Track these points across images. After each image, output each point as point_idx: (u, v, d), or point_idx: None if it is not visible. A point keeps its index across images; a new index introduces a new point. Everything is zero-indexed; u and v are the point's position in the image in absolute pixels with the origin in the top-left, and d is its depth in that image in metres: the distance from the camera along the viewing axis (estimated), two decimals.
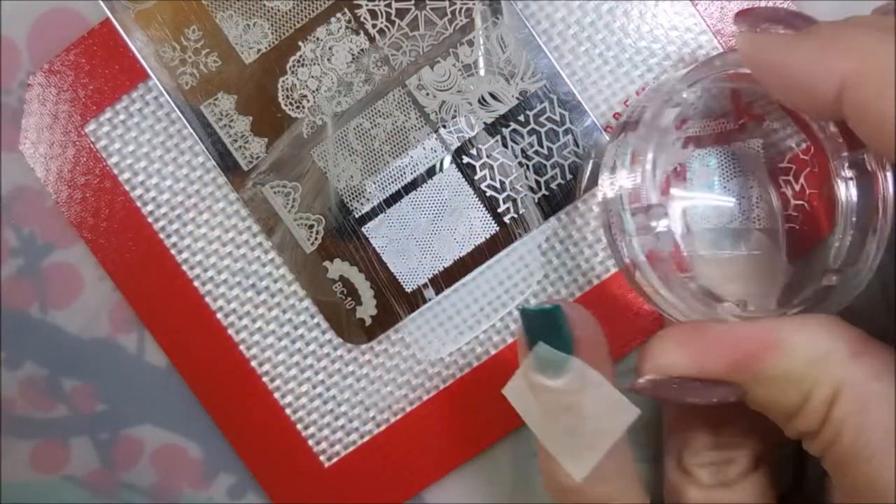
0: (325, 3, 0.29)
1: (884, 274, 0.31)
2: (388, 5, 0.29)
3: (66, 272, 0.31)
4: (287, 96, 0.30)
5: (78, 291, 0.31)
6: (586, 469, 0.23)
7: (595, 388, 0.23)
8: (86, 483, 0.32)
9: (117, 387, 0.32)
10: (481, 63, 0.29)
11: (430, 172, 0.30)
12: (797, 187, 0.28)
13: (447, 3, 0.29)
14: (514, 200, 0.30)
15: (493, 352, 0.31)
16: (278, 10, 0.29)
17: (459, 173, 0.30)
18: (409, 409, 0.31)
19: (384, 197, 0.30)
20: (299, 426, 0.31)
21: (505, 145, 0.30)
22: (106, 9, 0.29)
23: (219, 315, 0.31)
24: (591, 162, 0.30)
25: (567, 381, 0.23)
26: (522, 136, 0.30)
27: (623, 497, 0.24)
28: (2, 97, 0.31)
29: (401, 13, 0.29)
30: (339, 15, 0.29)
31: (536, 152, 0.30)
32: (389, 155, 0.30)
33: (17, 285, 0.31)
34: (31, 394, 0.32)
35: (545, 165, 0.30)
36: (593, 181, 0.30)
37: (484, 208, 0.30)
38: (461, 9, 0.29)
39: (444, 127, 0.30)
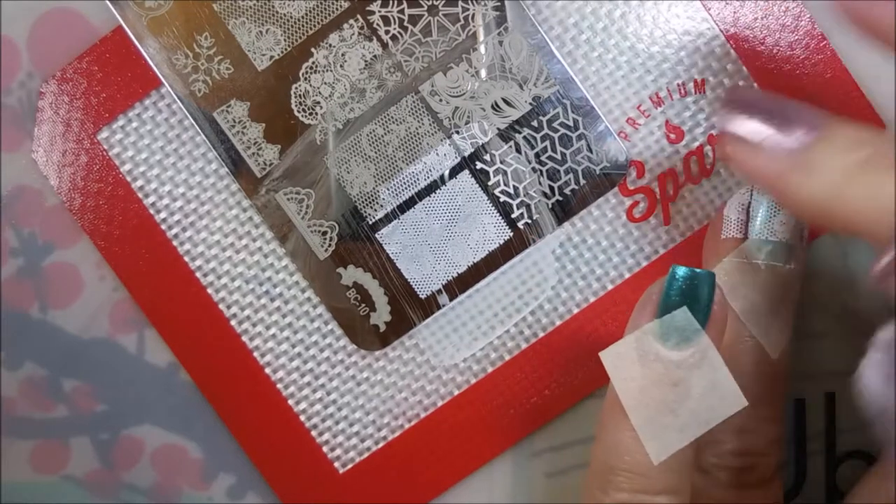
0: (337, 9, 0.29)
1: None
2: (401, 11, 0.29)
3: (66, 272, 0.31)
4: (300, 103, 0.30)
5: (78, 291, 0.31)
6: (667, 452, 0.22)
7: (713, 369, 0.22)
8: (86, 483, 0.32)
9: (117, 387, 0.32)
10: (483, 73, 0.29)
11: (444, 178, 0.30)
12: None
13: (460, 10, 0.29)
14: (528, 206, 0.30)
15: (507, 357, 0.31)
16: (291, 17, 0.29)
17: (473, 179, 0.30)
18: (423, 415, 0.31)
19: (398, 203, 0.30)
20: (314, 433, 0.31)
21: (518, 151, 0.30)
22: (118, 16, 0.29)
23: (232, 322, 0.31)
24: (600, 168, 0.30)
25: (689, 355, 0.22)
26: (536, 142, 0.30)
27: (678, 495, 0.23)
28: (2, 97, 0.30)
29: (413, 19, 0.29)
30: (351, 21, 0.29)
31: (550, 157, 0.30)
32: (403, 161, 0.30)
33: (17, 285, 0.31)
34: (31, 394, 0.32)
35: (559, 171, 0.30)
36: (603, 190, 0.30)
37: (497, 214, 0.30)
38: (474, 15, 0.29)
39: (458, 133, 0.30)
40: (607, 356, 0.23)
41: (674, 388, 0.22)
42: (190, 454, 0.32)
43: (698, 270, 0.23)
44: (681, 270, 0.23)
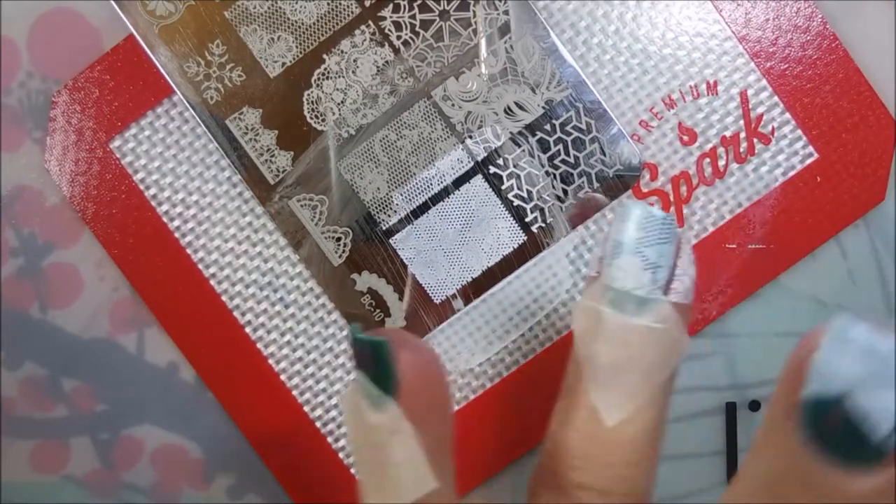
0: (349, 15, 0.29)
1: (884, 274, 0.31)
2: (413, 17, 0.29)
3: (66, 272, 0.31)
4: (312, 109, 0.29)
5: (78, 291, 0.31)
6: None
7: (407, 444, 0.20)
8: (86, 483, 0.32)
9: (117, 387, 0.32)
10: (484, 68, 0.29)
11: (457, 183, 0.30)
12: None
13: (471, 14, 0.29)
14: (542, 209, 0.30)
15: (522, 362, 0.31)
16: (302, 24, 0.29)
17: (486, 183, 0.30)
18: None
19: (411, 208, 0.30)
20: (330, 439, 0.31)
21: (531, 155, 0.30)
22: (129, 25, 0.29)
23: (247, 329, 0.31)
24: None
25: (382, 423, 0.20)
26: (549, 145, 0.30)
27: None
28: (2, 97, 0.30)
29: (425, 24, 0.29)
30: (363, 27, 0.29)
31: (563, 161, 0.30)
32: (416, 166, 0.30)
33: (17, 285, 0.31)
34: (31, 394, 0.32)
35: (572, 174, 0.30)
36: (616, 193, 0.30)
37: (511, 218, 0.30)
38: (485, 19, 0.29)
39: (471, 137, 0.30)
40: (341, 398, 0.23)
41: (378, 451, 0.21)
42: (190, 454, 0.32)
43: (374, 338, 0.20)
44: (357, 337, 0.20)
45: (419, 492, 0.21)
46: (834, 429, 0.16)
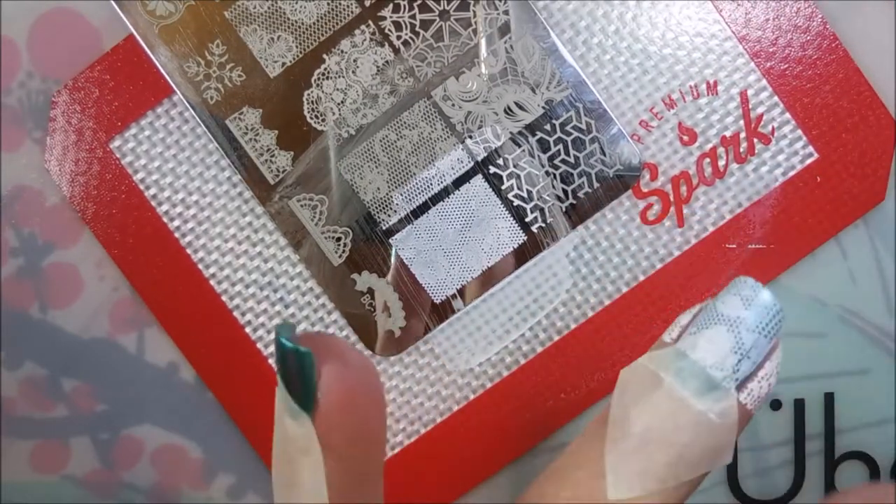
0: (349, 15, 0.29)
1: (884, 274, 0.31)
2: (413, 17, 0.29)
3: (66, 272, 0.31)
4: (312, 109, 0.29)
5: (78, 291, 0.31)
6: None
7: (310, 467, 0.18)
8: (86, 483, 0.32)
9: (117, 387, 0.32)
10: (484, 68, 0.29)
11: (457, 183, 0.30)
12: None
13: (471, 14, 0.29)
14: (542, 209, 0.30)
15: (522, 361, 0.31)
16: (302, 24, 0.29)
17: (486, 183, 0.30)
18: (439, 419, 0.31)
19: (411, 208, 0.30)
20: None
21: (531, 155, 0.30)
22: (129, 25, 0.29)
23: (247, 329, 0.31)
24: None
25: (297, 437, 0.18)
26: (549, 145, 0.30)
27: None
28: (2, 97, 0.30)
29: (425, 24, 0.29)
30: (363, 27, 0.29)
31: (563, 161, 0.30)
32: (416, 166, 0.30)
33: (17, 285, 0.31)
34: (31, 394, 0.32)
35: (572, 174, 0.30)
36: (616, 193, 0.30)
37: (511, 218, 0.30)
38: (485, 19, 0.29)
39: (471, 137, 0.30)
40: (276, 393, 0.19)
41: (288, 465, 0.19)
42: (190, 454, 0.32)
43: (295, 346, 0.18)
44: (284, 343, 0.18)
45: None
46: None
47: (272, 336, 0.31)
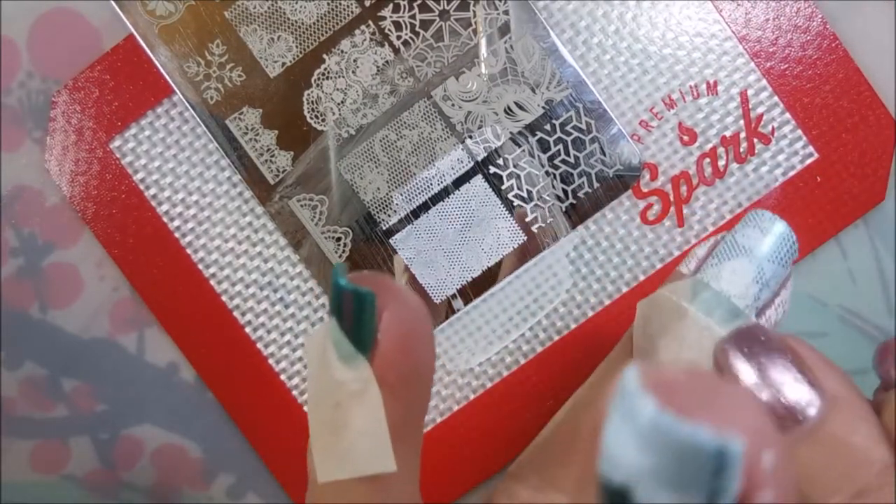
0: (349, 15, 0.29)
1: (884, 274, 0.31)
2: (413, 17, 0.29)
3: (66, 272, 0.31)
4: (312, 109, 0.29)
5: (78, 291, 0.31)
6: (327, 476, 0.19)
7: (372, 412, 0.18)
8: (86, 483, 0.32)
9: (117, 387, 0.32)
10: (484, 68, 0.29)
11: (457, 183, 0.30)
12: None
13: (471, 14, 0.29)
14: (542, 210, 0.30)
15: (522, 361, 0.31)
16: (302, 24, 0.29)
17: (486, 183, 0.30)
18: (439, 419, 0.31)
19: (411, 208, 0.30)
20: None
21: (531, 155, 0.30)
22: (129, 24, 0.29)
23: (247, 329, 0.31)
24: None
25: (349, 381, 0.18)
26: (549, 145, 0.30)
27: None
28: (2, 97, 0.30)
29: (425, 24, 0.29)
30: (363, 27, 0.29)
31: (563, 161, 0.30)
32: (416, 166, 0.30)
33: (17, 285, 0.31)
34: (31, 394, 0.32)
35: (572, 174, 0.30)
36: (616, 193, 0.30)
37: (511, 218, 0.30)
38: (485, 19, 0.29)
39: (471, 137, 0.30)
40: (308, 339, 0.19)
41: (335, 410, 0.18)
42: (190, 454, 0.32)
43: (361, 289, 0.17)
44: (341, 283, 0.17)
45: (372, 469, 0.18)
46: None
47: (272, 336, 0.31)
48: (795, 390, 0.18)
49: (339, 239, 0.30)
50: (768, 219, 0.20)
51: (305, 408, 0.31)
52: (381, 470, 0.18)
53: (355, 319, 0.17)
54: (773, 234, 0.20)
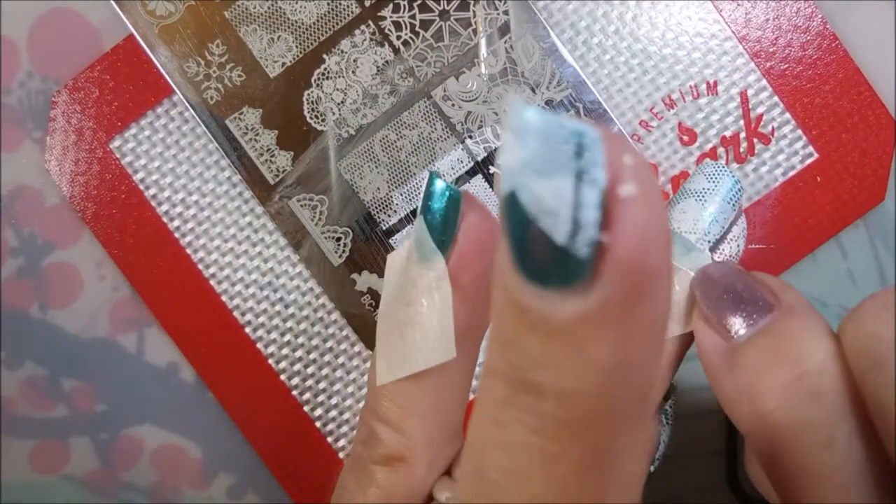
0: (349, 15, 0.29)
1: (884, 274, 0.31)
2: (413, 17, 0.29)
3: (66, 272, 0.31)
4: (312, 109, 0.29)
5: (78, 291, 0.31)
6: (389, 377, 0.19)
7: (441, 306, 0.19)
8: (86, 483, 0.32)
9: (117, 387, 0.32)
10: (484, 68, 0.29)
11: (457, 183, 0.30)
12: None
13: (471, 14, 0.29)
14: None
15: None
16: (302, 24, 0.29)
17: (486, 183, 0.30)
18: None
19: (411, 208, 0.30)
20: (330, 439, 0.31)
21: None
22: (129, 25, 0.29)
23: (247, 329, 0.31)
24: None
25: (425, 276, 0.19)
26: None
27: (421, 447, 0.20)
28: (2, 97, 0.30)
29: (425, 24, 0.29)
30: (363, 27, 0.29)
31: None
32: (416, 166, 0.30)
33: (17, 285, 0.31)
34: (31, 394, 0.32)
35: None
36: None
37: None
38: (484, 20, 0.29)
39: (471, 137, 0.30)
40: (391, 257, 0.20)
41: (406, 308, 0.19)
42: (190, 454, 0.32)
43: (447, 185, 0.19)
44: (435, 184, 0.19)
45: (434, 360, 0.19)
46: (528, 247, 0.12)
47: (272, 336, 0.31)
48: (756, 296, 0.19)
49: (339, 239, 0.30)
50: (713, 165, 0.22)
51: (306, 408, 0.31)
52: (442, 360, 0.19)
53: (442, 215, 0.19)
54: (717, 177, 0.22)
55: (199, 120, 0.29)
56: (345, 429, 0.31)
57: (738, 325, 0.19)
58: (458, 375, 0.20)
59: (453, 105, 0.29)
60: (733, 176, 0.22)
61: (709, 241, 0.21)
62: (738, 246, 0.22)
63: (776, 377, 0.18)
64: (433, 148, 0.30)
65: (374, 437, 0.20)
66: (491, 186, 0.30)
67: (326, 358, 0.31)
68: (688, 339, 0.21)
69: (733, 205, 0.22)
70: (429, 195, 0.19)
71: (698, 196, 0.21)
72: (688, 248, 0.21)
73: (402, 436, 0.20)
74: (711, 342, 0.20)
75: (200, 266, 0.30)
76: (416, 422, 0.20)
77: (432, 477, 0.20)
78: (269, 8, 0.29)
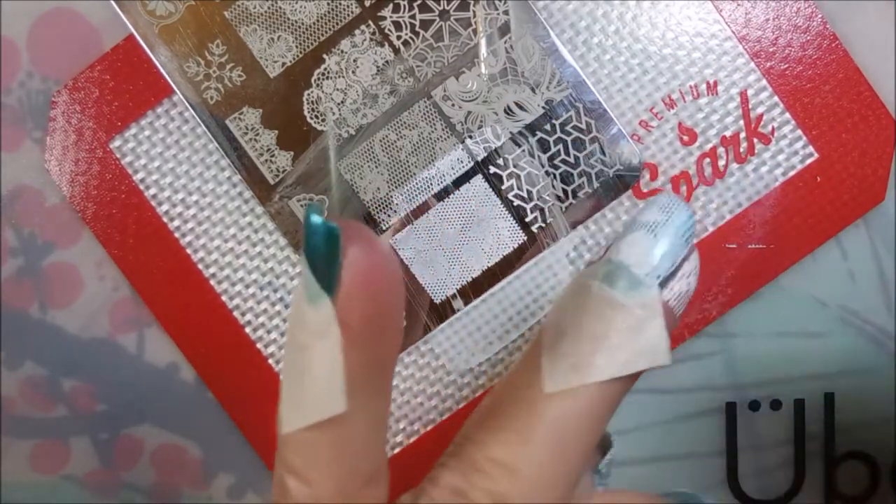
0: (349, 15, 0.29)
1: (884, 274, 0.31)
2: (413, 17, 0.29)
3: (66, 272, 0.31)
4: (312, 109, 0.29)
5: (78, 291, 0.31)
6: (288, 426, 0.19)
7: (327, 350, 0.18)
8: (86, 483, 0.32)
9: (117, 387, 0.32)
10: (484, 68, 0.29)
11: (457, 183, 0.30)
12: None
13: (471, 14, 0.29)
14: (542, 210, 0.30)
15: None
16: (302, 24, 0.29)
17: (486, 183, 0.30)
18: (439, 419, 0.31)
19: (411, 208, 0.30)
20: None
21: (531, 155, 0.30)
22: (129, 24, 0.29)
23: (247, 329, 0.31)
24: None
25: (312, 319, 0.18)
26: (549, 145, 0.30)
27: (329, 499, 0.19)
28: (2, 97, 0.30)
29: (425, 24, 0.29)
30: (363, 27, 0.29)
31: (563, 161, 0.30)
32: (416, 166, 0.30)
33: (17, 285, 0.31)
34: (31, 394, 0.32)
35: (572, 174, 0.30)
36: (616, 193, 0.30)
37: (511, 218, 0.30)
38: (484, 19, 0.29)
39: (471, 137, 0.30)
40: (294, 292, 0.20)
41: (300, 353, 0.18)
42: (190, 454, 0.32)
43: (325, 222, 0.18)
44: (313, 215, 0.18)
45: (325, 412, 0.18)
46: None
47: (272, 336, 0.31)
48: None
49: None
50: (667, 196, 0.21)
51: None
52: (332, 412, 0.18)
53: (320, 255, 0.18)
54: (670, 210, 0.21)
55: (199, 120, 0.29)
56: None
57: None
58: (362, 422, 0.19)
59: (453, 105, 0.29)
60: (688, 209, 0.21)
61: (658, 277, 0.20)
62: (689, 284, 0.22)
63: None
64: (433, 148, 0.30)
65: (283, 487, 0.19)
66: (491, 186, 0.30)
67: None
68: (626, 383, 0.20)
69: (686, 239, 0.21)
70: (306, 231, 0.18)
71: (649, 228, 0.21)
72: (635, 285, 0.20)
73: (309, 487, 0.19)
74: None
75: (200, 266, 0.30)
76: (321, 473, 0.19)
77: None
78: (269, 8, 0.29)
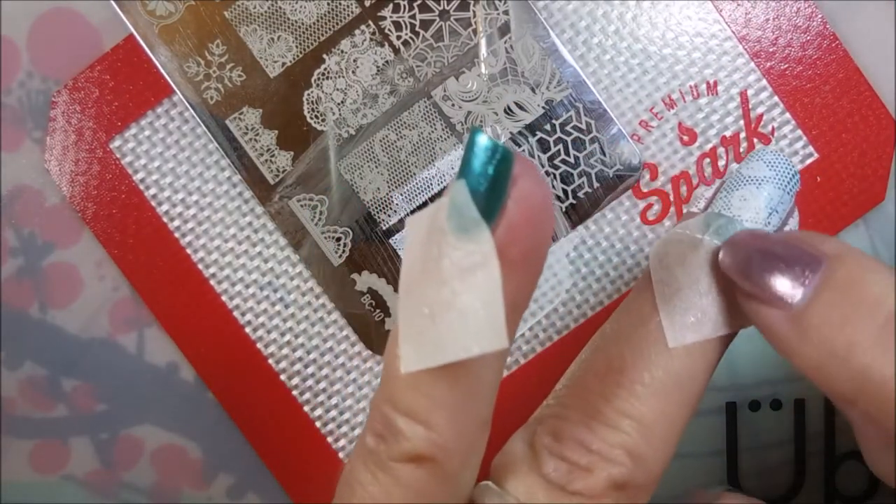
0: (349, 15, 0.29)
1: None
2: (413, 17, 0.29)
3: (66, 272, 0.31)
4: (312, 109, 0.29)
5: (78, 291, 0.31)
6: (416, 364, 0.17)
7: (488, 286, 0.16)
8: (86, 483, 0.32)
9: (117, 387, 0.32)
10: (484, 68, 0.29)
11: None
12: None
13: (471, 14, 0.29)
14: None
15: (522, 362, 0.31)
16: (302, 24, 0.29)
17: None
18: None
19: (411, 208, 0.30)
20: (330, 439, 0.31)
21: (531, 154, 0.30)
22: (129, 24, 0.29)
23: (247, 329, 0.31)
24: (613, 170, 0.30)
25: (463, 253, 0.16)
26: (549, 145, 0.30)
27: (453, 444, 0.18)
28: (2, 97, 0.30)
29: (425, 24, 0.29)
30: (363, 27, 0.29)
31: (563, 161, 0.30)
32: (416, 166, 0.30)
33: (17, 285, 0.31)
34: (31, 394, 0.32)
35: (572, 174, 0.30)
36: (617, 194, 0.30)
37: None
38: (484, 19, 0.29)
39: None
40: (412, 219, 0.17)
41: (438, 287, 0.16)
42: (190, 454, 0.32)
43: (501, 145, 0.16)
44: (481, 134, 0.16)
45: (480, 349, 0.16)
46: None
47: (272, 336, 0.31)
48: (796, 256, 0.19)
49: (339, 239, 0.30)
50: (770, 151, 0.21)
51: (306, 408, 0.31)
52: (491, 348, 0.16)
53: (490, 179, 0.16)
54: (777, 165, 0.21)
55: (199, 120, 0.29)
56: (345, 429, 0.31)
57: (790, 289, 0.18)
58: (496, 361, 0.18)
59: (453, 105, 0.29)
60: (793, 164, 0.21)
61: (768, 232, 0.20)
62: None
63: (860, 328, 0.17)
64: (433, 148, 0.30)
65: (394, 431, 0.18)
66: None
67: (326, 358, 0.31)
68: (726, 341, 0.21)
69: (791, 195, 0.21)
70: (472, 154, 0.16)
71: (759, 183, 0.21)
72: None
73: (430, 431, 0.17)
74: (770, 317, 0.19)
75: (200, 266, 0.30)
76: (446, 415, 0.17)
77: (466, 475, 0.19)
78: (269, 8, 0.29)
